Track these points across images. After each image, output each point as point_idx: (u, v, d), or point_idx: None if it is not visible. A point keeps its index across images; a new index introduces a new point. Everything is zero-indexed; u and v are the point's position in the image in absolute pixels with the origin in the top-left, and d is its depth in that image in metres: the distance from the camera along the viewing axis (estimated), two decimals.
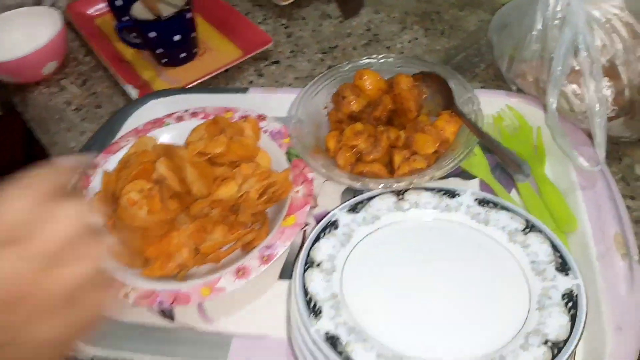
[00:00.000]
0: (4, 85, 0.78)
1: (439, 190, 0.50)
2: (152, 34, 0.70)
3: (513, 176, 0.49)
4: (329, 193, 0.57)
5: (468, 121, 0.51)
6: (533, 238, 0.45)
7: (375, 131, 0.53)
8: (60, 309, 0.29)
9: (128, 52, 0.78)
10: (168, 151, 0.53)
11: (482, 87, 0.67)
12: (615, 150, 0.57)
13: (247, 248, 0.51)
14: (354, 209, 0.49)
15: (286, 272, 0.51)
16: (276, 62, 0.75)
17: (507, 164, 0.46)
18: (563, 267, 0.42)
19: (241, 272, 0.48)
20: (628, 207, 0.53)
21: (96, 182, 0.56)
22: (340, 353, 0.38)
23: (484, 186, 0.55)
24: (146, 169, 0.53)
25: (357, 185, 0.49)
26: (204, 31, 0.79)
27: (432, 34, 0.76)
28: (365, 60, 0.61)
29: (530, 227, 0.46)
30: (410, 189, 0.49)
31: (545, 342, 0.38)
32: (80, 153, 0.62)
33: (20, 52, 0.71)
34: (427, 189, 0.50)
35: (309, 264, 0.45)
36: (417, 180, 0.48)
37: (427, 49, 0.74)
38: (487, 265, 0.45)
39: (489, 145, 0.49)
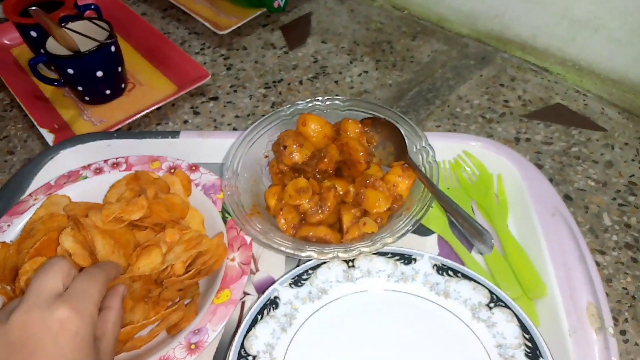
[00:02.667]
0: None
1: (393, 254, 0.44)
2: (70, 71, 0.62)
3: (474, 246, 0.44)
4: (271, 255, 0.50)
5: (423, 176, 0.46)
6: (499, 315, 0.40)
7: (321, 187, 0.47)
8: None
9: (47, 89, 0.69)
10: (78, 216, 0.45)
11: (437, 127, 0.62)
12: (580, 197, 0.53)
13: (174, 331, 0.43)
14: (297, 282, 0.43)
15: (219, 356, 0.44)
16: (214, 98, 0.68)
17: (468, 232, 0.41)
18: (533, 352, 0.37)
19: None
20: (598, 264, 0.48)
21: None
22: None
23: (442, 243, 0.50)
24: (52, 238, 0.44)
25: (302, 255, 0.42)
26: (134, 63, 0.72)
27: (383, 66, 0.71)
28: (310, 103, 0.55)
29: (495, 302, 0.40)
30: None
31: None
32: None
33: None
34: (379, 254, 0.44)
35: (243, 358, 0.38)
36: (367, 249, 0.42)
37: (378, 84, 0.69)
38: (449, 347, 0.39)
39: (446, 208, 0.44)
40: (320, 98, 0.55)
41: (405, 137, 0.50)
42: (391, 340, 0.40)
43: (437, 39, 0.75)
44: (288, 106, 0.54)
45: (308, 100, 0.55)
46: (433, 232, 0.51)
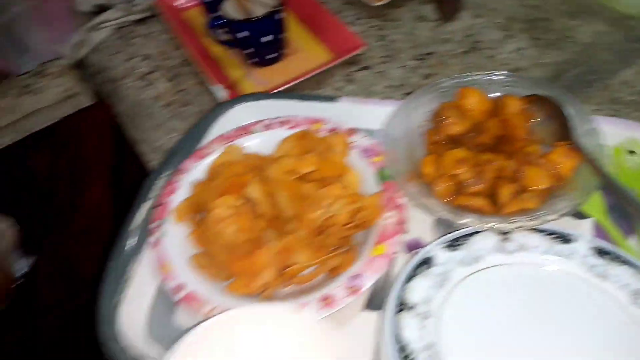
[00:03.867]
0: (94, 75, 0.79)
1: (550, 232, 0.45)
2: (244, 34, 0.68)
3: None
4: (420, 220, 0.53)
5: (591, 158, 0.46)
6: None
7: (480, 160, 0.49)
8: None
9: (215, 49, 0.77)
10: (259, 168, 0.51)
11: (597, 111, 0.60)
12: None
13: (333, 273, 0.49)
14: (452, 246, 0.45)
15: (371, 303, 0.48)
16: (366, 68, 0.71)
17: (636, 215, 0.41)
18: None
19: (326, 301, 0.46)
20: None
21: (183, 189, 0.55)
22: None
23: (598, 229, 0.49)
24: (235, 183, 0.51)
25: (459, 222, 0.45)
26: (294, 30, 0.77)
27: (540, 44, 0.70)
28: (470, 77, 0.56)
29: None
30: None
31: None
32: (167, 155, 0.62)
33: None
34: (536, 230, 0.45)
35: (402, 306, 0.41)
36: (528, 223, 0.43)
37: (534, 62, 0.67)
38: (603, 328, 0.40)
39: (611, 190, 0.43)
40: (480, 72, 0.56)
41: (570, 117, 0.50)
42: (540, 314, 0.41)
43: (600, 20, 0.71)
44: (447, 79, 0.56)
45: (468, 73, 0.56)
46: (588, 217, 0.50)
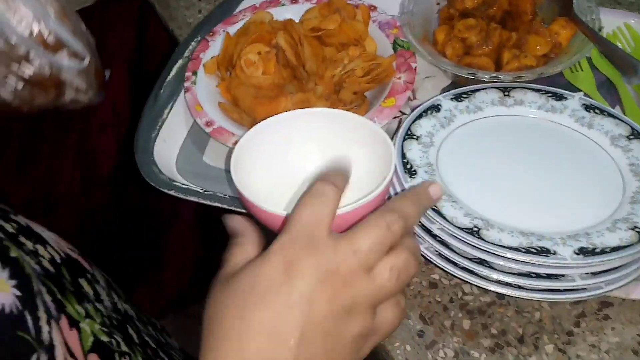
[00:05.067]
0: None
1: (546, 91, 0.50)
2: None
3: (624, 79, 0.49)
4: (428, 89, 0.58)
5: (585, 26, 0.51)
6: (637, 144, 0.45)
7: (488, 27, 0.54)
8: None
9: None
10: (287, 25, 0.56)
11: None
12: None
13: None
14: (457, 97, 0.51)
15: None
16: None
17: (620, 66, 0.46)
18: None
19: None
20: None
21: (215, 47, 0.60)
22: (432, 207, 0.41)
23: None
24: (264, 36, 0.56)
25: (465, 73, 0.50)
26: None
27: None
28: None
29: (635, 135, 0.46)
30: (516, 86, 0.50)
31: (634, 228, 0.39)
32: (199, 24, 0.67)
33: None
34: (533, 89, 0.50)
35: (409, 135, 0.47)
36: (525, 75, 0.49)
37: None
38: (584, 162, 0.46)
39: (604, 49, 0.49)
40: None
41: None
42: (534, 156, 0.47)
43: None
44: None
45: None
46: (580, 91, 0.56)
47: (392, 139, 0.54)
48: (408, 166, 0.44)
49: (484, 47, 0.53)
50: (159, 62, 0.69)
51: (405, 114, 0.57)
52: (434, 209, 0.41)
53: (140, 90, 0.67)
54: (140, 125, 0.57)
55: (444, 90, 0.58)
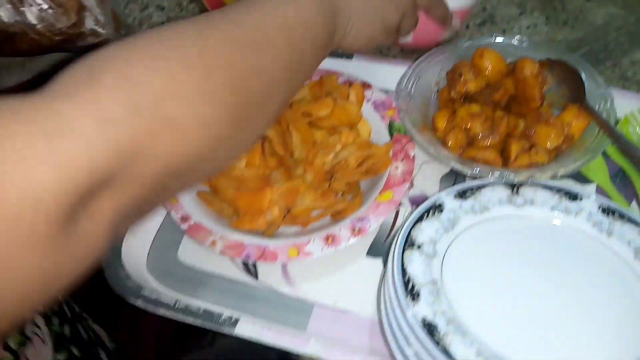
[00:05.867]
0: None
1: (559, 189, 0.45)
2: None
3: None
4: (427, 175, 0.53)
5: (600, 119, 0.46)
6: None
7: (493, 115, 0.49)
8: None
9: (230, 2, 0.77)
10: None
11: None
12: None
13: (337, 217, 0.49)
14: (462, 195, 0.46)
15: (374, 249, 0.49)
16: None
17: None
18: None
19: (330, 240, 0.46)
20: None
21: None
22: (437, 342, 0.36)
23: (601, 194, 0.50)
24: None
25: (469, 171, 0.45)
26: None
27: (554, 22, 0.70)
28: (487, 40, 0.56)
29: None
30: (526, 184, 0.45)
31: None
32: None
33: None
34: (545, 187, 0.45)
35: (409, 244, 0.42)
36: (537, 175, 0.44)
37: (547, 38, 0.68)
38: (606, 281, 0.40)
39: (623, 149, 0.44)
40: (498, 36, 0.56)
41: (583, 82, 0.50)
42: (545, 264, 0.42)
43: (614, 3, 0.72)
44: (465, 39, 0.56)
45: (485, 36, 0.57)
46: (591, 182, 0.51)
47: (387, 236, 0.49)
48: (410, 286, 0.39)
49: (490, 139, 0.48)
50: None
51: (403, 205, 0.52)
52: (438, 345, 0.35)
53: None
54: None
55: (444, 178, 0.53)
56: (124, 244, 0.49)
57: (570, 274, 0.41)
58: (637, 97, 0.55)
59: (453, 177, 0.52)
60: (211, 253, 0.47)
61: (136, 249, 0.50)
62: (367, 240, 0.49)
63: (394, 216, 0.51)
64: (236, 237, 0.46)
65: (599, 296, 0.40)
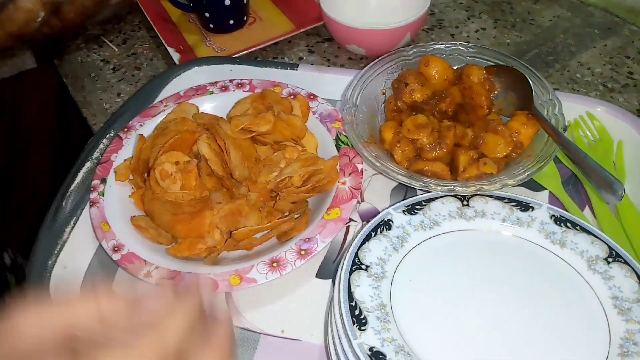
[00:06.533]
0: (40, 38, 0.74)
1: (510, 200, 0.44)
2: None
3: (601, 196, 0.43)
4: (377, 189, 0.51)
5: (549, 126, 0.45)
6: (617, 269, 0.39)
7: (440, 126, 0.48)
8: None
9: (175, 13, 0.73)
10: (211, 125, 0.48)
11: (555, 89, 0.60)
12: None
13: (283, 238, 0.46)
14: (410, 210, 0.43)
15: (324, 270, 0.46)
16: (329, 40, 0.69)
17: (595, 182, 0.40)
18: None
19: (275, 264, 0.43)
20: None
21: (129, 147, 0.52)
22: None
23: (554, 200, 0.49)
24: (184, 138, 0.48)
25: (417, 185, 0.43)
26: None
27: (502, 25, 0.70)
28: (433, 46, 0.55)
29: (614, 257, 0.40)
30: (476, 195, 0.44)
31: None
32: (114, 115, 0.58)
33: None
34: (495, 197, 0.44)
35: (357, 265, 0.39)
36: (486, 187, 0.42)
37: (496, 42, 0.67)
38: (560, 295, 0.39)
39: (572, 157, 0.43)
40: (443, 42, 0.55)
41: (531, 88, 0.49)
42: (498, 280, 0.40)
43: (560, 5, 0.72)
44: (411, 47, 0.55)
45: (431, 43, 0.55)
46: (544, 189, 0.50)
47: (337, 255, 0.47)
48: (357, 312, 0.36)
49: (437, 150, 0.46)
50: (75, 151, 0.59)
51: (353, 220, 0.49)
52: None
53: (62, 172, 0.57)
54: (34, 250, 0.47)
55: (395, 191, 0.51)
56: (52, 277, 0.45)
57: (523, 289, 0.39)
58: (586, 100, 0.55)
59: (404, 189, 0.50)
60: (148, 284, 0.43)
61: (67, 281, 0.46)
62: (316, 261, 0.47)
63: (344, 234, 0.49)
64: (173, 265, 0.43)
65: (553, 310, 0.38)
